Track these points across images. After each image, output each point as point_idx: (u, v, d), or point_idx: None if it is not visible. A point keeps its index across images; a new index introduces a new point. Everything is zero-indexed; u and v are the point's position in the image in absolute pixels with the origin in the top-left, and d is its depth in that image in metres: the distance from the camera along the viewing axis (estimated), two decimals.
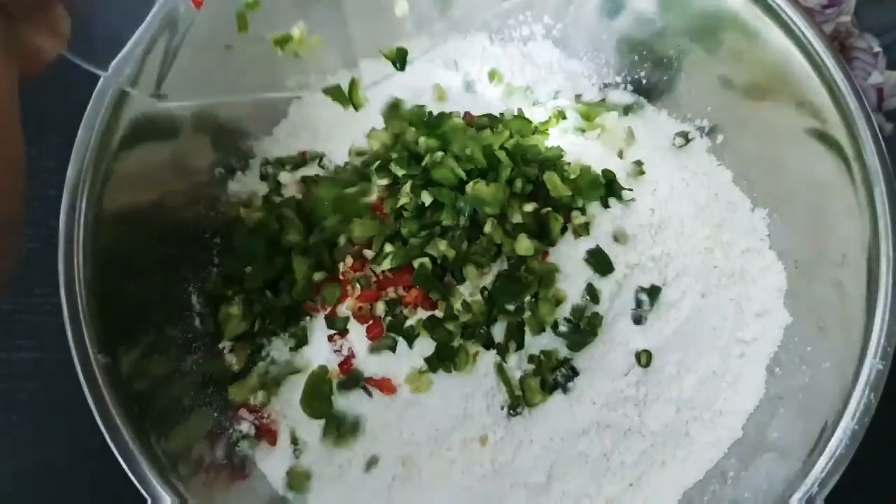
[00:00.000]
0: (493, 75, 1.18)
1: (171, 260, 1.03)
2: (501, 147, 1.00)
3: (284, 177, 1.12)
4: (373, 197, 1.03)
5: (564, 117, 1.12)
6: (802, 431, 0.91)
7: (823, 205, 1.00)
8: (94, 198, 0.91)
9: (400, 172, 1.03)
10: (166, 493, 0.84)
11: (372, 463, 0.98)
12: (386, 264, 0.97)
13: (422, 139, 1.04)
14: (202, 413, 1.00)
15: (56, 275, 0.88)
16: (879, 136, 0.93)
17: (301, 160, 1.13)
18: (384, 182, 1.04)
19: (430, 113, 1.07)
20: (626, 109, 1.16)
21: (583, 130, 1.12)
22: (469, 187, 0.97)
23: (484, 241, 0.97)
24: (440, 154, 1.00)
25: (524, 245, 0.95)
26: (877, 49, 1.27)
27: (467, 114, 1.09)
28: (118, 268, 0.94)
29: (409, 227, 0.97)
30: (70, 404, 1.04)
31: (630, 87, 1.19)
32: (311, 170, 1.12)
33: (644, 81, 1.18)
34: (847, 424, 0.85)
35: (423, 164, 1.01)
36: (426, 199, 0.96)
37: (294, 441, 1.00)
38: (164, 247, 1.02)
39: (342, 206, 1.02)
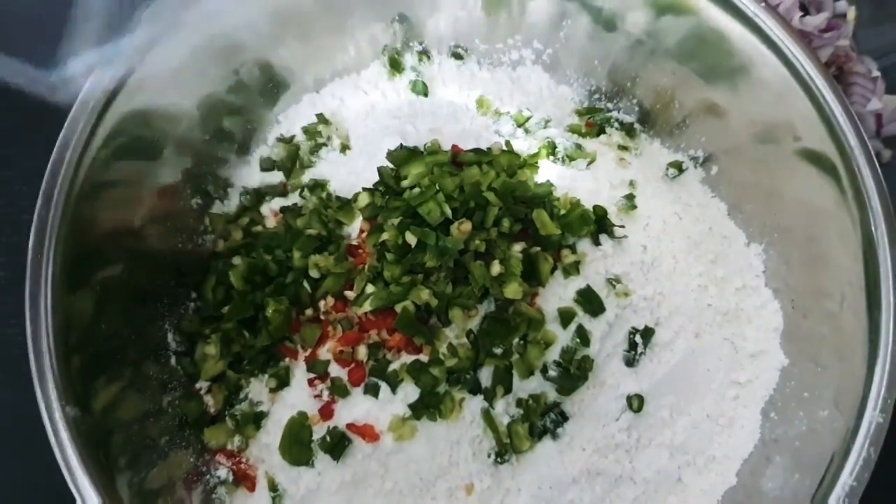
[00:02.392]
0: (481, 103, 1.14)
1: (146, 295, 1.00)
2: (490, 187, 0.96)
3: (264, 208, 1.09)
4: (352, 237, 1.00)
5: (554, 148, 1.08)
6: (799, 483, 0.88)
7: (821, 241, 0.97)
8: (66, 227, 0.88)
9: (379, 202, 1.00)
10: None
11: None
12: (367, 306, 0.94)
13: (406, 170, 1.00)
14: (179, 456, 0.97)
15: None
16: (879, 172, 0.90)
17: (282, 190, 1.09)
18: (365, 214, 1.01)
19: (415, 148, 1.03)
20: (618, 138, 1.13)
21: (572, 159, 1.09)
22: (454, 228, 0.93)
23: (470, 284, 0.93)
24: (425, 183, 0.97)
25: (513, 288, 0.92)
26: (875, 73, 1.23)
27: (454, 146, 1.05)
28: (91, 303, 0.91)
29: (392, 272, 0.93)
30: (44, 442, 1.01)
31: (622, 115, 1.16)
32: (293, 200, 1.08)
33: (636, 109, 1.15)
34: (846, 480, 0.82)
35: (405, 196, 0.98)
36: (410, 239, 0.92)
37: (273, 488, 0.96)
38: (140, 281, 0.99)
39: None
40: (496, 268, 0.93)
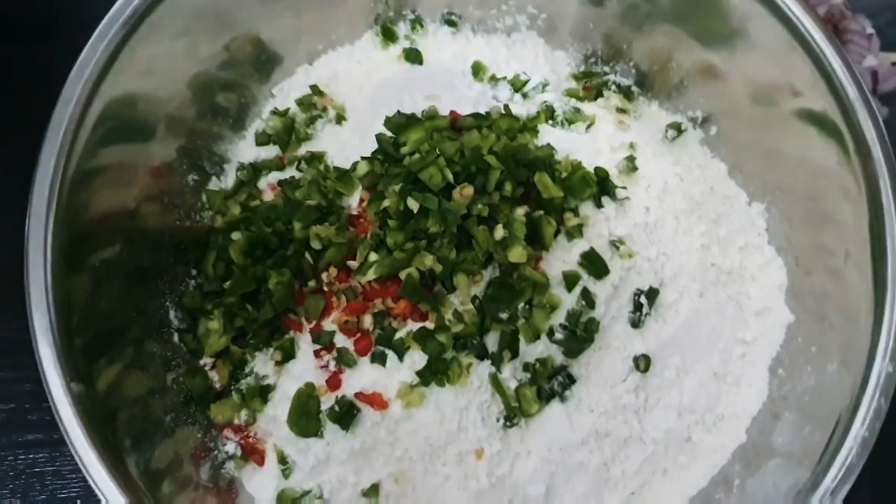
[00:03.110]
0: (476, 69, 1.13)
1: (146, 273, 0.99)
2: (491, 151, 0.95)
3: (261, 182, 1.08)
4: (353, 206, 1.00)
5: (553, 112, 1.07)
6: (810, 437, 0.88)
7: (823, 197, 0.97)
8: (62, 208, 0.86)
9: (378, 169, 0.99)
10: None
11: (364, 481, 0.94)
12: (370, 274, 0.93)
13: (404, 136, 0.99)
14: (185, 433, 0.96)
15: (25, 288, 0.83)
16: (882, 125, 0.90)
17: (278, 164, 1.08)
18: (365, 183, 1.00)
19: (413, 115, 1.03)
20: (616, 101, 1.12)
21: (571, 123, 1.08)
22: (456, 193, 0.92)
23: (474, 249, 0.92)
24: (425, 148, 0.96)
25: (517, 252, 0.91)
26: (870, 30, 1.23)
27: (452, 112, 1.04)
28: (91, 284, 0.89)
29: (395, 238, 0.92)
30: (47, 426, 1.00)
31: (619, 78, 1.15)
32: (290, 174, 1.07)
33: (633, 71, 1.14)
34: (857, 431, 0.82)
35: (405, 162, 0.97)
36: (412, 205, 0.92)
37: (282, 461, 0.95)
38: (139, 259, 0.98)
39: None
40: (500, 232, 0.92)
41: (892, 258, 0.86)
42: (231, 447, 0.97)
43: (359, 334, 0.94)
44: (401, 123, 1.01)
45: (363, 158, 1.01)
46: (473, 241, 0.92)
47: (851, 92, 0.90)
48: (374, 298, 0.95)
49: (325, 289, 0.97)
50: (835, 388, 0.88)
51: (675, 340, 0.99)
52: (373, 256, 0.94)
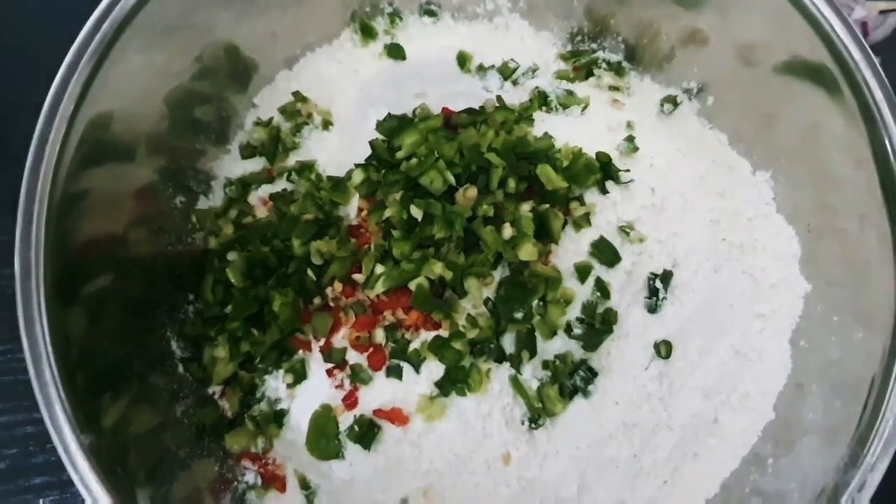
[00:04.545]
0: (462, 59, 1.09)
1: (143, 304, 0.95)
2: (490, 148, 0.92)
3: (252, 196, 1.04)
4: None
5: (546, 98, 1.04)
6: (842, 411, 0.86)
7: (828, 159, 0.94)
8: (50, 244, 0.82)
9: (375, 177, 0.95)
10: None
11: (392, 499, 0.91)
12: (379, 287, 0.90)
13: (399, 140, 0.96)
14: (202, 466, 0.93)
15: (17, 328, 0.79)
16: (887, 83, 0.87)
17: (267, 177, 1.04)
18: (362, 192, 0.97)
19: (405, 116, 0.99)
20: (608, 79, 1.09)
21: (566, 107, 1.05)
22: (459, 195, 0.89)
23: (483, 251, 0.89)
24: (422, 152, 0.93)
25: (527, 250, 0.88)
26: None
27: (444, 109, 1.00)
28: (87, 322, 0.85)
29: (401, 249, 0.89)
30: (54, 467, 0.96)
31: (608, 55, 1.12)
32: (281, 186, 1.03)
33: (622, 46, 1.11)
34: (893, 402, 0.80)
35: (402, 168, 0.93)
36: (416, 213, 0.88)
37: (305, 486, 0.93)
38: (134, 291, 0.93)
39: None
40: (507, 231, 0.89)
41: None
42: (250, 476, 0.94)
43: (371, 349, 0.92)
44: (393, 127, 0.97)
45: (357, 166, 0.97)
46: (481, 242, 0.89)
47: (855, 52, 0.88)
48: (384, 311, 0.92)
49: (332, 304, 0.94)
50: (862, 358, 0.86)
51: (693, 322, 0.97)
52: (379, 269, 0.91)
